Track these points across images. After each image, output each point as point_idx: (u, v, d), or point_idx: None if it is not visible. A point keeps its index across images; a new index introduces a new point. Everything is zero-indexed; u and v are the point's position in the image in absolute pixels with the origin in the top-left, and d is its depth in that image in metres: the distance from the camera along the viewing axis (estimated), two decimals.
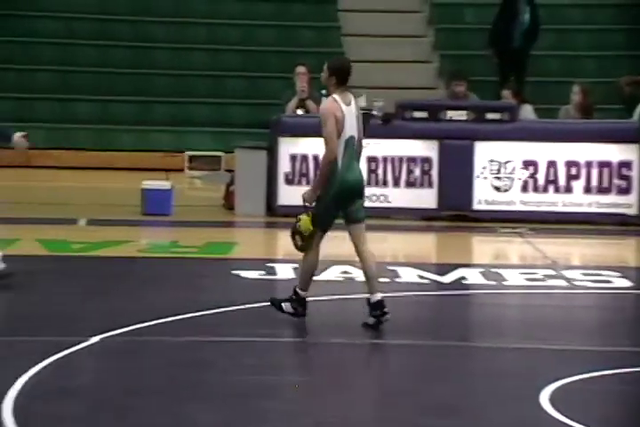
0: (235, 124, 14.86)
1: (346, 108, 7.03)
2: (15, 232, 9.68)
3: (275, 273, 8.51)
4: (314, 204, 7.11)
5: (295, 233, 7.18)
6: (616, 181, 11.00)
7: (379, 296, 6.97)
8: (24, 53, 15.47)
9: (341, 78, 7.06)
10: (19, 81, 15.26)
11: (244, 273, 8.38)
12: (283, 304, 7.05)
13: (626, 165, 11.00)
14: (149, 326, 6.73)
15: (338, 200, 7.05)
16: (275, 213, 11.09)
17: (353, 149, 7.05)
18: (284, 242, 9.64)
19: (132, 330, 6.62)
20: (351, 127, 7.03)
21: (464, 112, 11.20)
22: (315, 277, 8.29)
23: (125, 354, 6.23)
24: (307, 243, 7.16)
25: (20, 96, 15.14)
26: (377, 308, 6.93)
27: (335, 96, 7.05)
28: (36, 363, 5.83)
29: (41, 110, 15.10)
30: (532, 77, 14.18)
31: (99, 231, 10.09)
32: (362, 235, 7.16)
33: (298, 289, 7.10)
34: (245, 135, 13.03)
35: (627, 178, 10.99)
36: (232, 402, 5.46)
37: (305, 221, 7.13)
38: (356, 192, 7.10)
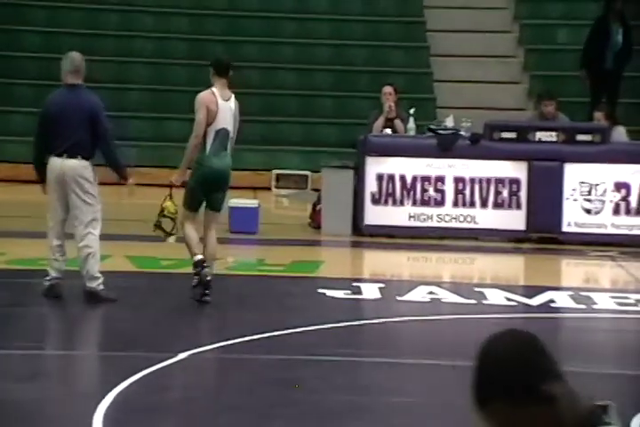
0: (323, 144, 14.89)
1: (222, 103, 7.80)
2: (106, 249, 9.81)
3: (360, 292, 8.48)
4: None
5: (159, 223, 8.34)
6: None
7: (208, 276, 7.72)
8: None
9: (217, 70, 7.83)
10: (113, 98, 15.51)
11: (329, 292, 8.37)
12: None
13: None
14: (237, 343, 6.75)
15: (202, 183, 7.81)
16: (361, 232, 11.06)
17: (224, 139, 7.81)
18: (370, 261, 9.65)
19: (220, 347, 6.65)
20: (224, 120, 7.78)
21: (554, 133, 11.07)
22: (401, 298, 8.26)
23: (213, 371, 6.27)
24: (180, 224, 8.04)
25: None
26: (201, 284, 7.68)
27: (214, 89, 7.83)
28: (126, 378, 5.88)
29: (133, 129, 15.32)
30: (625, 99, 13.97)
31: (185, 248, 10.18)
32: (213, 222, 8.01)
33: (193, 257, 7.81)
34: (333, 155, 13.05)
35: None
36: (321, 422, 5.44)
37: (169, 206, 8.56)
38: (220, 179, 7.85)
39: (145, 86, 15.59)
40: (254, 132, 15.27)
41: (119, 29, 16.08)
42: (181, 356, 6.40)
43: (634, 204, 10.89)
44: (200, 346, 6.60)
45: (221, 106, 7.77)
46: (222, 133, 7.80)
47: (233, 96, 7.88)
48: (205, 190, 7.85)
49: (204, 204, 7.97)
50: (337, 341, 7.02)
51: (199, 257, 7.91)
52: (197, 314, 7.62)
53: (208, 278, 7.78)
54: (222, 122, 7.78)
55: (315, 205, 11.61)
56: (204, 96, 7.82)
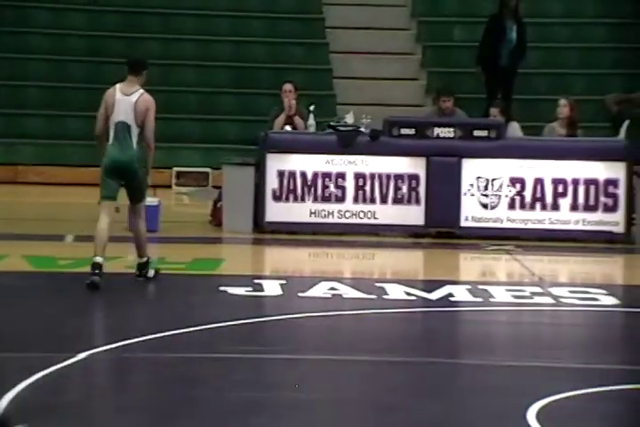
0: (224, 141, 14.88)
1: (121, 97, 8.32)
2: (2, 248, 9.66)
3: (262, 289, 8.50)
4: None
5: None
6: (603, 199, 11.04)
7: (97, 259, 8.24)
8: (14, 69, 15.49)
9: (128, 68, 8.46)
10: (9, 97, 15.26)
11: (231, 289, 8.38)
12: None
13: (612, 182, 11.04)
14: (137, 342, 6.72)
15: (105, 173, 8.39)
16: (262, 229, 11.09)
17: (123, 132, 8.30)
18: (271, 258, 9.68)
19: (120, 346, 6.61)
20: (122, 114, 8.27)
21: (451, 129, 11.24)
22: (302, 294, 8.33)
23: (113, 370, 6.22)
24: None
25: (10, 112, 15.14)
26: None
27: (118, 85, 8.42)
28: (23, 380, 5.80)
29: (31, 126, 15.10)
30: (520, 95, 14.25)
31: (86, 247, 10.08)
32: (134, 213, 8.56)
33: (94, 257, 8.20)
34: (234, 152, 13.05)
35: (613, 196, 11.03)
36: (223, 419, 5.45)
37: None
38: (120, 169, 8.33)
39: (42, 83, 15.36)
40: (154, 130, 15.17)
41: (15, 26, 15.82)
42: (81, 356, 6.34)
43: (528, 198, 11.12)
44: (100, 346, 6.55)
45: (119, 100, 8.28)
46: (120, 126, 8.29)
47: (139, 91, 8.36)
48: (111, 181, 8.38)
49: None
50: (239, 338, 7.04)
51: (96, 259, 8.23)
52: (97, 313, 7.56)
53: (96, 283, 8.11)
54: (120, 115, 8.27)
55: (215, 203, 11.59)
56: (106, 91, 8.43)
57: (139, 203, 8.54)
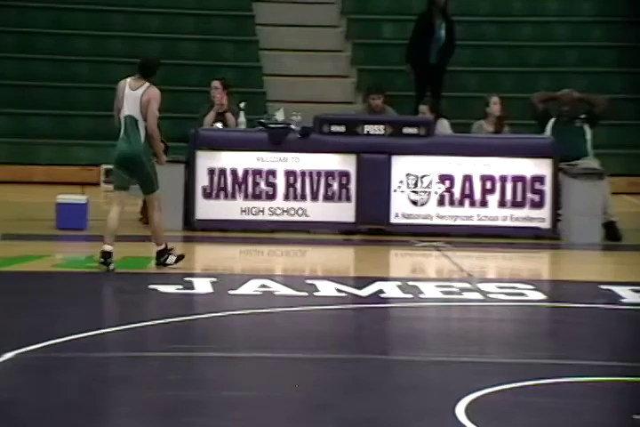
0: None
1: (129, 91, 8.82)
2: None
3: (192, 287, 8.48)
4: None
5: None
6: (530, 196, 11.19)
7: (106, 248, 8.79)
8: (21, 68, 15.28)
9: (138, 67, 8.99)
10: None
11: (161, 288, 8.33)
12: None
13: (539, 179, 11.19)
14: (67, 341, 6.65)
15: (114, 164, 8.95)
16: (192, 227, 11.05)
17: (130, 125, 8.75)
18: (201, 256, 9.66)
19: (49, 346, 6.54)
20: (130, 108, 8.77)
21: (381, 126, 11.30)
22: (233, 291, 8.32)
23: (42, 370, 6.15)
24: None
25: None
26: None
27: (129, 78, 8.93)
28: None
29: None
30: (449, 92, 14.37)
31: (13, 246, 9.96)
32: (149, 204, 9.09)
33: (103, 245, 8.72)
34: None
35: (540, 192, 11.18)
36: (155, 419, 5.42)
37: None
38: (125, 161, 8.83)
39: (8, 82, 15.15)
40: (83, 127, 15.04)
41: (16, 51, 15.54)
42: (7, 356, 6.26)
43: (457, 195, 11.22)
44: (28, 345, 6.48)
45: (127, 94, 8.80)
46: (128, 120, 8.78)
47: (145, 85, 8.85)
48: (121, 172, 8.92)
49: None
50: (170, 336, 7.01)
51: (105, 247, 8.78)
52: (25, 312, 7.47)
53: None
54: (128, 109, 8.77)
55: (145, 201, 11.50)
56: (118, 83, 8.97)
57: (150, 194, 8.96)
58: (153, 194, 8.97)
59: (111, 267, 8.74)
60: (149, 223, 9.10)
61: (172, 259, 8.98)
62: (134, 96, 8.77)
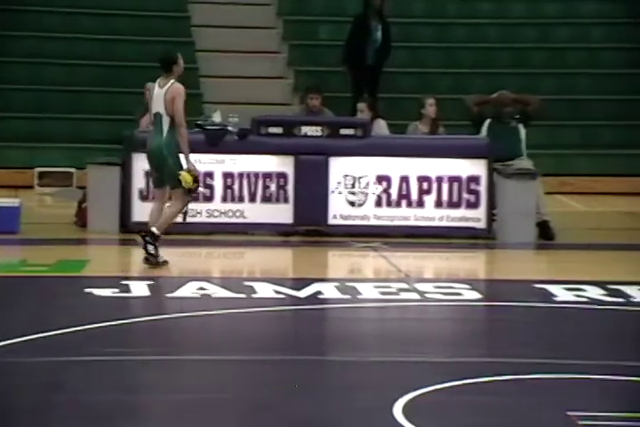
0: (90, 140, 14.68)
1: (157, 90, 9.27)
2: None
3: (129, 291, 8.42)
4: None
5: None
6: (465, 196, 11.28)
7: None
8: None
9: (160, 66, 9.36)
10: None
11: (97, 291, 8.27)
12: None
13: (475, 179, 11.29)
14: (1, 347, 6.57)
15: (147, 161, 9.50)
16: (129, 229, 10.97)
17: (157, 122, 9.25)
18: (138, 259, 9.58)
19: None
20: (157, 105, 9.25)
21: (319, 128, 11.32)
22: (171, 294, 8.28)
23: None
24: None
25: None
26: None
27: (158, 79, 9.36)
28: None
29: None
30: (385, 94, 14.45)
31: None
32: (171, 197, 9.42)
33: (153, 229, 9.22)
34: (100, 151, 12.88)
35: (475, 192, 11.28)
36: (91, 423, 5.38)
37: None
38: (151, 157, 9.33)
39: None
40: (17, 129, 14.88)
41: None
42: None
43: (394, 196, 11.28)
44: None
45: (156, 93, 9.26)
46: (156, 117, 9.27)
47: (170, 82, 9.25)
48: (152, 170, 9.46)
49: None
50: (106, 340, 6.95)
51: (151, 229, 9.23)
52: None
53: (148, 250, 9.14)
54: (156, 107, 9.26)
55: (80, 203, 11.42)
56: (149, 86, 9.46)
57: (173, 188, 9.27)
58: (177, 189, 9.21)
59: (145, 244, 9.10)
60: (163, 211, 9.33)
61: (153, 249, 9.11)
62: (160, 94, 9.22)
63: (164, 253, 9.42)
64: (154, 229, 9.21)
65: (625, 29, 16.41)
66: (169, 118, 9.19)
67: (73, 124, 15.06)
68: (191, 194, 9.37)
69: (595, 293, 8.51)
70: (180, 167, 9.18)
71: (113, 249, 10.63)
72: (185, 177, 9.15)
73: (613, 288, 8.63)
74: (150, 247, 9.16)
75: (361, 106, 11.97)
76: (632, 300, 8.32)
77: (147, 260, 9.21)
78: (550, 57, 16.20)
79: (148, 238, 9.16)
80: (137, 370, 6.38)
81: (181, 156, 9.29)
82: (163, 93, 9.23)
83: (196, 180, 9.22)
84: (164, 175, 9.22)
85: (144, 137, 11.25)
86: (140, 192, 11.09)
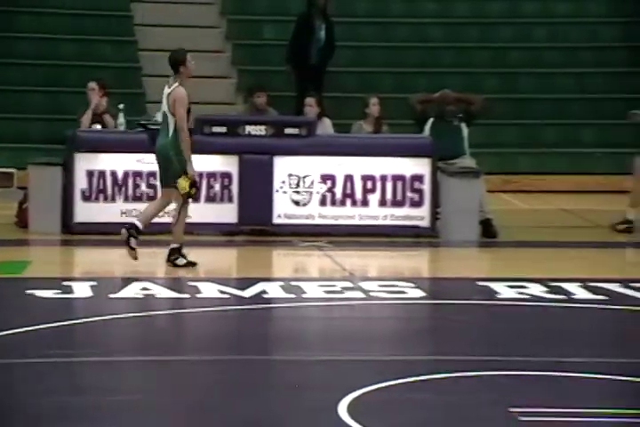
0: (31, 141, 14.53)
1: (166, 90, 9.44)
2: None
3: (72, 292, 8.35)
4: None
5: None
6: (409, 195, 11.34)
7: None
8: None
9: (170, 66, 9.56)
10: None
11: (39, 292, 8.19)
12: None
13: (418, 178, 11.35)
14: None
15: None
16: (71, 230, 10.89)
17: (163, 121, 9.43)
18: (80, 260, 9.53)
19: None
20: (164, 105, 9.42)
21: (263, 127, 11.31)
22: (114, 295, 8.22)
23: None
24: None
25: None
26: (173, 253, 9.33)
27: (170, 79, 9.52)
28: None
29: None
30: (329, 93, 14.46)
31: None
32: (162, 195, 9.56)
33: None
34: (42, 152, 12.76)
35: (419, 191, 11.34)
36: (35, 425, 5.32)
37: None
38: (157, 155, 9.45)
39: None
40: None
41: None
42: None
43: (339, 195, 11.31)
44: None
45: (165, 93, 9.42)
46: (164, 116, 9.43)
47: (175, 85, 9.38)
48: (158, 168, 9.54)
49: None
50: (48, 342, 6.89)
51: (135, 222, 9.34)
52: None
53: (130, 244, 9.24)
54: (163, 105, 9.43)
55: (21, 204, 11.31)
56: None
57: (166, 187, 9.34)
58: (172, 188, 9.26)
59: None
60: (172, 219, 9.42)
61: (182, 261, 9.27)
62: (167, 93, 9.37)
63: (109, 253, 9.37)
64: (175, 246, 9.35)
65: (567, 29, 16.59)
66: (174, 118, 9.32)
67: (13, 123, 14.90)
68: (190, 198, 9.44)
69: (536, 290, 8.60)
70: (178, 169, 9.25)
71: (55, 250, 10.53)
72: (180, 183, 9.23)
73: (555, 285, 8.72)
74: (180, 262, 9.33)
75: (309, 100, 11.98)
76: (573, 297, 8.41)
77: (168, 260, 9.35)
78: (493, 56, 16.33)
79: (173, 258, 9.31)
80: (80, 372, 6.33)
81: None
82: (167, 94, 9.35)
83: (193, 184, 9.29)
84: (169, 175, 9.30)
85: (87, 137, 11.20)
86: (83, 192, 11.01)
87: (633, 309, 8.04)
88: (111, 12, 16.18)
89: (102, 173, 11.04)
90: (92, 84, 11.64)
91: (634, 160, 11.72)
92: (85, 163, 11.03)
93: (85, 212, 10.91)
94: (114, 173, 11.06)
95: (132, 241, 9.23)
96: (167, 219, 11.06)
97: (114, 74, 14.73)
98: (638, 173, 11.69)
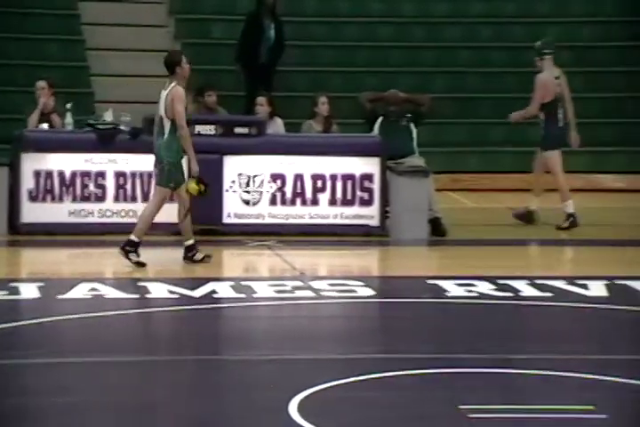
0: None
1: (162, 93, 9.37)
2: None
3: (18, 293, 8.27)
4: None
5: None
6: (359, 194, 11.37)
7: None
8: None
9: (166, 68, 9.50)
10: None
11: None
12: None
13: (368, 177, 11.38)
14: None
15: None
16: (18, 231, 10.79)
17: (158, 125, 9.36)
18: (27, 260, 9.45)
19: None
20: (160, 108, 9.35)
21: (212, 126, 11.28)
22: (62, 296, 8.16)
23: None
24: None
25: None
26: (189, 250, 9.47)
27: (166, 82, 9.47)
28: None
29: None
30: (279, 92, 14.46)
31: None
32: (159, 193, 9.56)
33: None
34: None
35: (369, 190, 11.37)
36: None
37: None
38: (155, 157, 9.45)
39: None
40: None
41: None
42: None
43: (289, 194, 11.31)
44: None
45: (161, 96, 9.36)
46: (157, 119, 9.38)
47: (171, 85, 9.32)
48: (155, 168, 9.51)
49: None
50: None
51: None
52: None
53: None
54: (159, 109, 9.35)
55: None
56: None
57: (160, 186, 9.42)
58: (162, 187, 9.37)
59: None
60: (179, 220, 9.52)
61: (199, 256, 9.37)
62: (163, 96, 9.31)
63: (57, 254, 9.30)
64: (189, 242, 9.46)
65: (513, 29, 16.73)
66: (170, 121, 9.28)
67: None
68: (203, 196, 9.54)
69: (485, 287, 8.66)
70: (177, 170, 9.33)
71: (1, 251, 10.42)
72: (190, 186, 9.33)
73: (503, 283, 8.79)
74: (198, 257, 9.44)
75: (260, 100, 11.97)
76: (520, 294, 8.49)
77: (185, 257, 9.48)
78: (441, 55, 16.42)
79: (190, 255, 9.45)
80: (26, 373, 6.27)
81: (183, 159, 9.43)
82: (165, 96, 9.30)
83: (200, 181, 9.36)
84: (162, 176, 9.39)
85: (34, 136, 11.09)
86: (30, 193, 10.91)
87: (578, 305, 8.13)
88: (59, 11, 16.05)
89: (50, 173, 10.95)
90: (42, 84, 11.55)
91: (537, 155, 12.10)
92: (32, 163, 10.93)
93: (32, 212, 10.82)
94: (61, 173, 10.98)
95: (133, 256, 9.27)
96: (115, 219, 11.00)
97: (61, 73, 14.61)
98: (538, 168, 12.12)
